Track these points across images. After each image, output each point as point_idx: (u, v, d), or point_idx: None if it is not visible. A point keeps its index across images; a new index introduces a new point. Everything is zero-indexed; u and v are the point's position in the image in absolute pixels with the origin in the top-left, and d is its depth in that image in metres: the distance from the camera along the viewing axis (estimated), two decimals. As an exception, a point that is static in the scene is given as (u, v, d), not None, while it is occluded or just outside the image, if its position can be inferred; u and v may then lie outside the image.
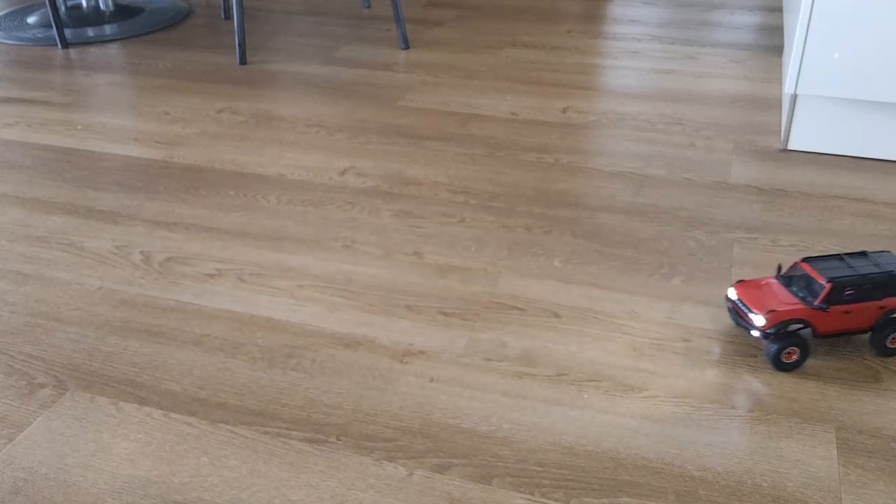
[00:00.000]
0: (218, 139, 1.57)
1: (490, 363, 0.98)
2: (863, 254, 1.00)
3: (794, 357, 0.96)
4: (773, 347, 0.95)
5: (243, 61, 1.94)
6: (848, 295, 0.95)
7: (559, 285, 1.13)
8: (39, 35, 2.16)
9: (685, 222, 1.27)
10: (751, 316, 0.97)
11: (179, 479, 0.83)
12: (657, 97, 1.73)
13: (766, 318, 0.95)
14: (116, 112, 1.70)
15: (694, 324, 1.05)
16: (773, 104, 1.68)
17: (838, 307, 0.95)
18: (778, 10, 2.28)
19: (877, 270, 0.96)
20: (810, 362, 0.98)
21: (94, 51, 2.06)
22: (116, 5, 2.34)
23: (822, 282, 0.95)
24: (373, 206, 1.33)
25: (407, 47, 2.03)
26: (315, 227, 1.27)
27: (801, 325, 0.96)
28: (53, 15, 2.05)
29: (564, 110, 1.67)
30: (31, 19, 2.29)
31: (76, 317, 1.08)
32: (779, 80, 1.80)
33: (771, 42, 2.04)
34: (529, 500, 0.81)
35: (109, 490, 0.82)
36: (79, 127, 1.63)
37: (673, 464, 0.85)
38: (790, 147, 1.49)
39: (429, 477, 0.83)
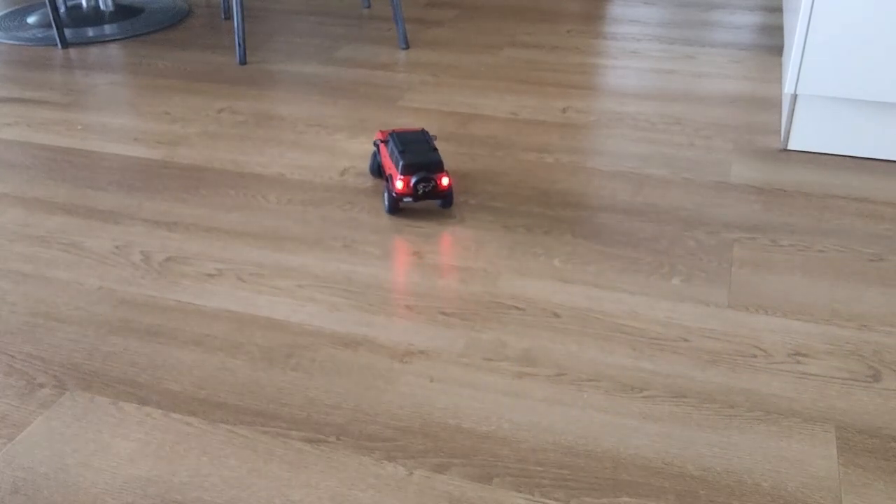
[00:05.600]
0: (218, 139, 1.57)
1: (490, 363, 0.98)
2: (423, 133, 1.33)
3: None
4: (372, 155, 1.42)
5: (243, 61, 1.94)
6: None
7: (559, 285, 1.13)
8: (39, 35, 2.16)
9: (685, 222, 1.27)
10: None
11: (179, 478, 0.83)
12: (657, 97, 1.73)
13: (377, 136, 1.43)
14: (116, 112, 1.70)
15: (694, 323, 1.05)
16: (773, 104, 1.68)
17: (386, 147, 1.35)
18: (778, 10, 2.28)
19: (403, 144, 1.29)
20: (810, 362, 0.98)
21: (94, 51, 2.06)
22: (116, 5, 2.34)
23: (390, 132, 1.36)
24: (372, 205, 1.33)
25: (407, 47, 2.03)
26: (315, 226, 1.27)
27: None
28: (53, 15, 2.05)
29: (564, 110, 1.67)
30: (31, 19, 2.29)
31: (76, 316, 1.08)
32: (779, 80, 1.80)
33: (771, 42, 2.04)
34: (529, 499, 0.81)
35: (109, 490, 0.82)
36: (79, 127, 1.63)
37: (673, 464, 0.85)
38: (790, 147, 1.49)
39: (428, 477, 0.83)
